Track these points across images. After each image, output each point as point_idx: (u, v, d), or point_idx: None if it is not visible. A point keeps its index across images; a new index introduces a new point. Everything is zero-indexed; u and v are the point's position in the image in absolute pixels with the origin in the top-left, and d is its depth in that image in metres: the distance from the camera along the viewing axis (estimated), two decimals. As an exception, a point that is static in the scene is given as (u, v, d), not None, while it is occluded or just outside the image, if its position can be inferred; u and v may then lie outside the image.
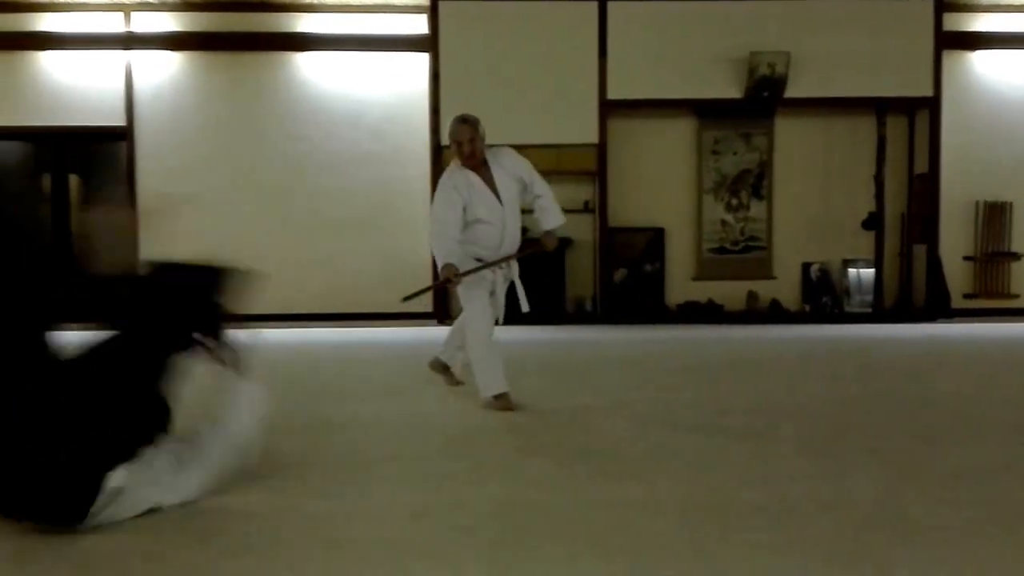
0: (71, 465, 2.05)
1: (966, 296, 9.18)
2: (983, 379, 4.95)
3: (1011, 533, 2.09)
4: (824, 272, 9.15)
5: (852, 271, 9.18)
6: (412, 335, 7.67)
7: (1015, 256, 9.12)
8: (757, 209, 9.16)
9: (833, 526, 2.15)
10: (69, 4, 8.76)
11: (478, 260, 3.93)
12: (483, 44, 8.57)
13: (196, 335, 2.42)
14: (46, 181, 9.37)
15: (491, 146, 4.05)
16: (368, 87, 8.99)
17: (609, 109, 8.63)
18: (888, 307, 9.11)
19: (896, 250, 9.23)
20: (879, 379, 4.91)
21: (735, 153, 9.14)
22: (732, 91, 8.66)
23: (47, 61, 8.88)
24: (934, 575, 1.84)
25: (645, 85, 8.61)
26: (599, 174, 8.64)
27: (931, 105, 8.83)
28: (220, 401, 2.60)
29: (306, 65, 8.97)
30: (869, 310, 9.02)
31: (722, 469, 2.74)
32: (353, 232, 8.97)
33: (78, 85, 8.89)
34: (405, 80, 8.98)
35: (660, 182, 9.09)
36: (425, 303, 8.78)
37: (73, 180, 9.41)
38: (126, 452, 2.17)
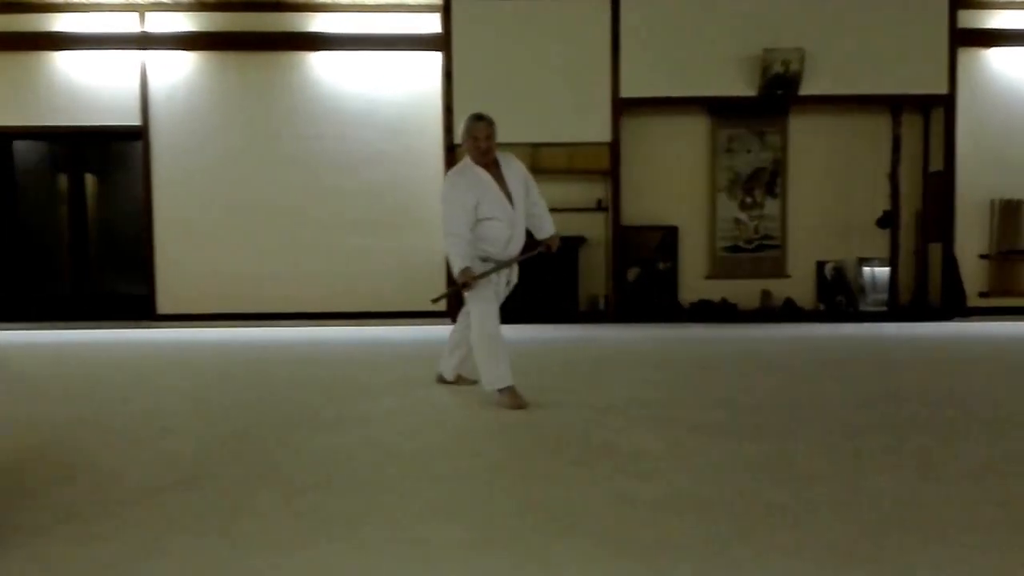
0: None
1: (981, 294, 9.13)
2: (1000, 377, 4.92)
3: (1033, 533, 2.09)
4: (839, 271, 9.12)
5: (867, 269, 9.14)
6: (426, 333, 7.69)
7: (1031, 254, 9.06)
8: (771, 207, 9.13)
9: (852, 526, 2.15)
10: (84, 5, 8.83)
11: (484, 259, 3.97)
12: (496, 43, 8.58)
13: None
14: (63, 180, 9.45)
15: (504, 153, 4.10)
16: (381, 86, 9.01)
17: (622, 107, 8.62)
18: (903, 306, 9.07)
19: (911, 248, 9.19)
20: (895, 378, 4.89)
21: (749, 151, 9.11)
22: (746, 89, 8.64)
23: (63, 61, 8.95)
24: (956, 574, 1.84)
25: (658, 83, 8.60)
26: (612, 172, 8.63)
27: (946, 103, 8.78)
28: None
29: (319, 64, 9.00)
30: (884, 309, 8.98)
31: (739, 468, 2.74)
32: (366, 231, 9.00)
33: (94, 85, 8.95)
34: (418, 79, 9.00)
35: (673, 180, 9.08)
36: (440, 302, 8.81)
37: (89, 179, 9.48)
38: None
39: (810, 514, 2.24)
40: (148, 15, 8.91)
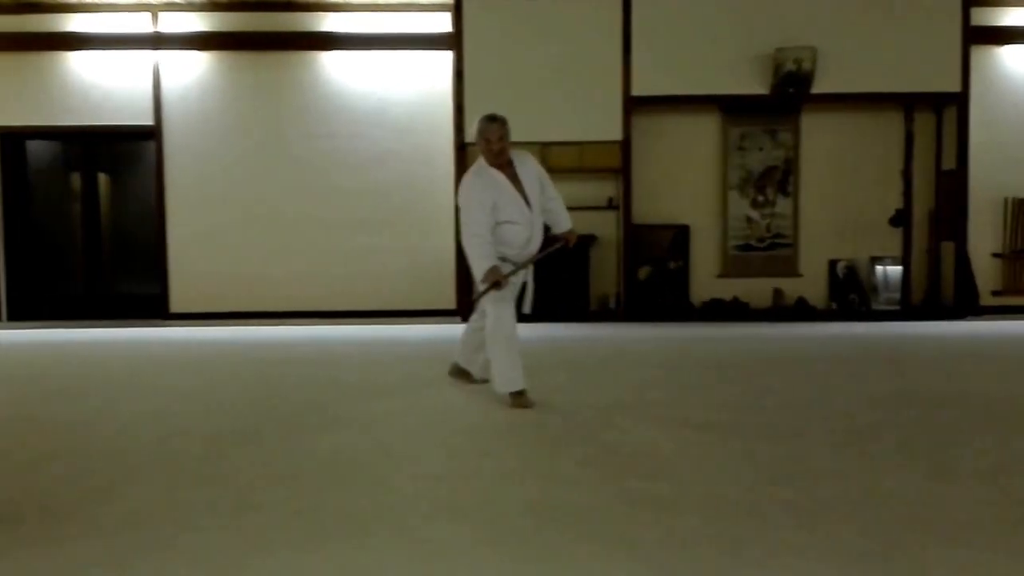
0: None
1: (994, 293, 9.05)
2: (1013, 377, 4.89)
3: (1047, 534, 2.08)
4: (851, 269, 9.07)
5: (879, 268, 9.08)
6: (436, 333, 7.70)
7: (1046, 253, 8.98)
8: (783, 206, 9.09)
9: (866, 525, 2.14)
10: (97, 5, 8.87)
11: (503, 260, 3.91)
12: (507, 41, 8.57)
13: None
14: (75, 180, 9.52)
15: (517, 151, 4.05)
16: (392, 85, 9.02)
17: (633, 105, 8.59)
18: (916, 304, 9.01)
19: (924, 247, 9.13)
20: (908, 377, 4.86)
21: (761, 149, 9.07)
22: (758, 87, 8.60)
23: (76, 61, 9.00)
24: (969, 574, 1.83)
25: (670, 81, 8.56)
26: (623, 171, 8.61)
27: (959, 100, 8.71)
28: None
29: (330, 64, 9.02)
30: (896, 307, 8.93)
31: (752, 468, 2.74)
32: (377, 230, 9.01)
33: (106, 85, 9.00)
34: (429, 78, 9.00)
35: (685, 179, 9.05)
36: (448, 299, 8.82)
37: (102, 179, 9.54)
38: None
39: (821, 513, 2.24)
40: (161, 15, 8.95)
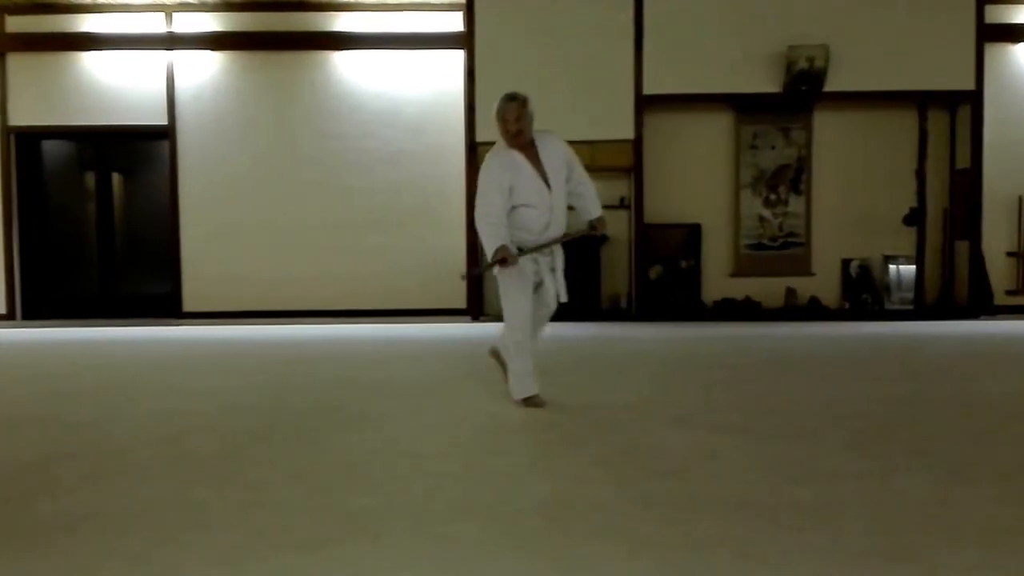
0: None
1: (1009, 292, 8.99)
2: (1030, 378, 4.85)
3: (1065, 535, 2.06)
4: (864, 268, 9.02)
5: (892, 267, 9.03)
6: (447, 331, 7.71)
7: (1061, 252, 8.91)
8: (795, 204, 9.05)
9: (880, 526, 2.13)
10: (112, 5, 8.93)
11: (520, 249, 3.75)
12: (518, 40, 8.57)
13: None
14: (90, 179, 9.58)
15: (541, 131, 3.87)
16: (404, 85, 9.04)
17: (645, 104, 8.58)
18: (929, 304, 8.96)
19: (938, 246, 9.07)
20: (923, 377, 4.84)
21: (773, 148, 9.04)
22: (770, 85, 8.57)
23: (91, 61, 9.06)
24: (987, 577, 1.82)
25: (682, 80, 8.55)
26: (635, 170, 8.60)
27: (973, 99, 8.65)
28: None
29: (343, 63, 9.05)
30: (910, 307, 8.88)
31: (766, 468, 2.73)
32: (388, 229, 9.04)
33: (121, 85, 9.06)
34: (440, 78, 9.02)
35: (697, 178, 9.03)
36: (459, 298, 8.83)
37: (116, 178, 9.60)
38: None
39: (835, 514, 2.23)
40: (175, 15, 9.00)
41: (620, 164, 8.55)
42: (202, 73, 9.05)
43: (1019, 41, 8.89)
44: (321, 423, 3.57)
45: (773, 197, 9.06)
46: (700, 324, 8.30)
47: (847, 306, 8.93)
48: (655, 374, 5.04)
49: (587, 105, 8.53)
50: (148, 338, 7.51)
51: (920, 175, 8.93)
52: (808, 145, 9.04)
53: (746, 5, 8.59)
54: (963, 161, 8.88)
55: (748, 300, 8.89)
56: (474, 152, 8.54)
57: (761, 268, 9.02)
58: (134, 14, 9.00)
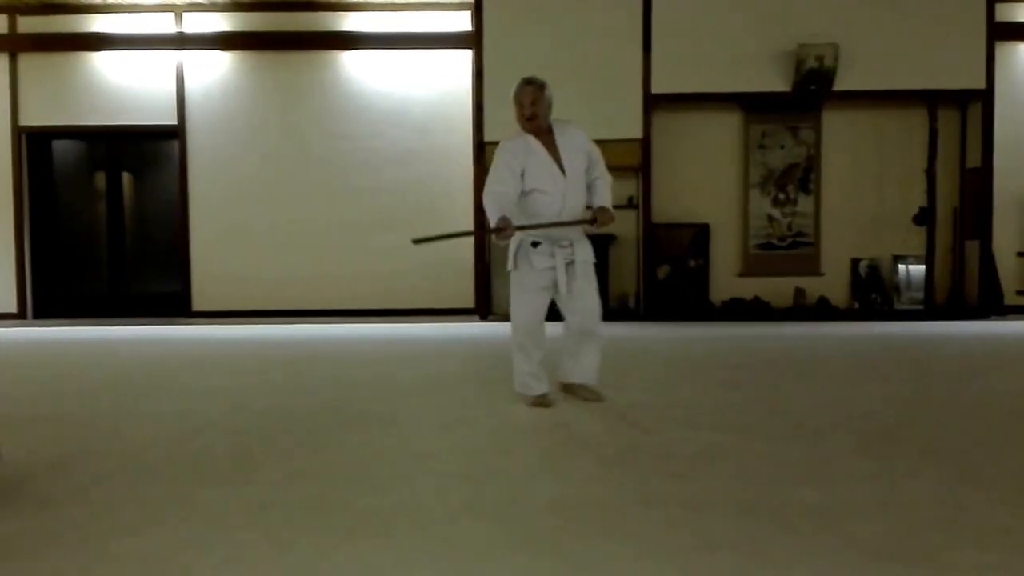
0: None
1: (1019, 292, 8.95)
2: (1041, 379, 4.82)
3: (1076, 538, 2.05)
4: (873, 268, 8.99)
5: (902, 267, 9.00)
6: (455, 331, 7.72)
7: (1072, 252, 8.86)
8: (804, 204, 9.03)
9: (889, 527, 2.12)
10: (122, 6, 8.98)
11: (535, 243, 3.70)
12: (527, 40, 8.57)
13: None
14: (100, 179, 9.63)
15: (562, 120, 3.84)
16: (412, 85, 9.05)
17: (654, 103, 8.57)
18: (939, 304, 8.92)
19: (948, 246, 9.03)
20: (932, 378, 4.82)
21: (782, 147, 9.02)
22: (779, 84, 8.55)
23: (101, 62, 9.11)
24: (997, 579, 1.81)
25: (690, 79, 8.53)
26: (643, 169, 8.59)
27: (983, 98, 8.61)
28: None
29: (351, 63, 9.07)
30: (920, 307, 8.84)
31: (775, 469, 2.72)
32: (396, 229, 9.05)
33: (131, 85, 9.10)
34: (448, 77, 9.03)
35: (705, 177, 9.01)
36: (467, 298, 8.84)
37: (126, 178, 9.65)
38: None
39: (845, 515, 2.22)
40: (184, 16, 9.04)
41: (628, 163, 8.54)
42: (211, 73, 9.08)
43: (1030, 40, 8.84)
44: (329, 423, 3.58)
45: (782, 196, 9.04)
46: (708, 324, 8.28)
47: (856, 306, 8.90)
48: (663, 374, 5.03)
49: (595, 104, 8.52)
50: (158, 337, 7.54)
51: (930, 174, 8.89)
52: (817, 144, 9.01)
53: (755, 4, 8.57)
54: (973, 160, 8.84)
55: (757, 300, 8.87)
56: (482, 151, 8.54)
57: (770, 268, 9.00)
58: (144, 14, 9.04)
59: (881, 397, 4.06)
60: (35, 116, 9.16)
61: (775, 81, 8.55)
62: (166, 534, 2.14)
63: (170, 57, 9.04)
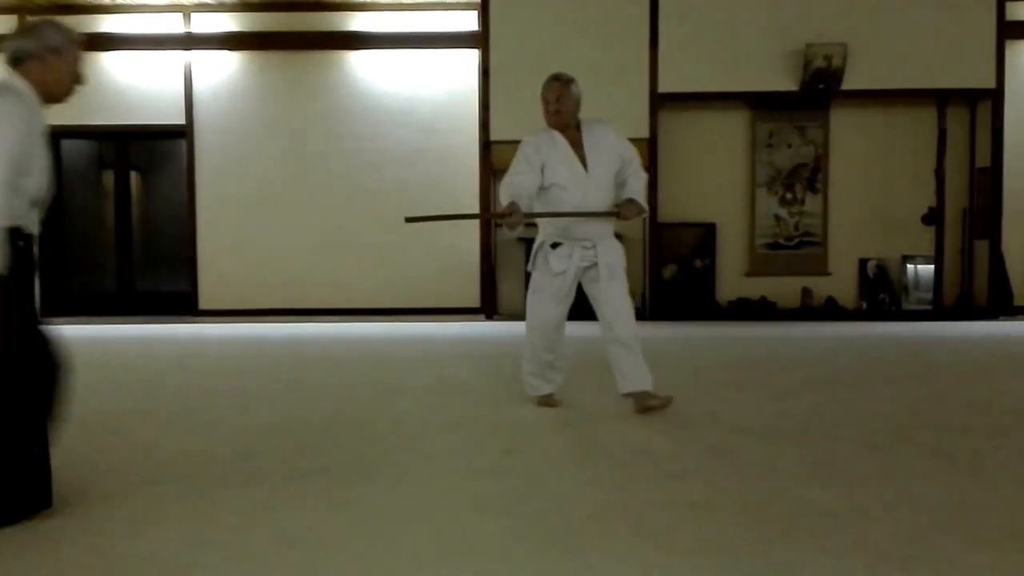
0: None
1: (1030, 293, 8.90)
2: (1051, 380, 4.80)
3: (1087, 540, 2.04)
4: (881, 268, 8.95)
5: (911, 267, 8.96)
6: (461, 330, 7.72)
7: (1082, 252, 8.80)
8: (812, 203, 8.99)
9: (901, 528, 2.11)
10: (131, 6, 9.01)
11: (555, 244, 3.58)
12: (533, 39, 8.55)
13: None
14: (108, 178, 9.66)
15: (595, 119, 3.79)
16: (418, 84, 9.05)
17: (660, 102, 8.55)
18: (948, 305, 8.88)
19: (957, 246, 8.98)
20: (941, 378, 4.79)
21: (790, 146, 8.98)
22: (787, 83, 8.51)
23: (110, 62, 9.13)
24: (1007, 581, 1.80)
25: (697, 78, 8.51)
26: (650, 169, 8.52)
27: (993, 97, 8.56)
28: None
29: (358, 63, 9.07)
30: (928, 307, 8.80)
31: (783, 470, 2.71)
32: (403, 228, 9.02)
33: (139, 85, 9.13)
34: (455, 77, 9.03)
35: (712, 176, 8.98)
36: (472, 298, 8.83)
37: (134, 177, 9.68)
38: None
39: (855, 517, 2.21)
40: (193, 16, 9.06)
41: (635, 163, 8.52)
42: (219, 73, 9.10)
43: (1041, 38, 8.79)
44: (334, 421, 3.58)
45: (789, 196, 9.01)
46: (715, 324, 8.26)
47: (864, 306, 8.86)
48: (670, 375, 5.02)
49: (602, 103, 8.46)
50: (164, 336, 7.56)
51: (939, 174, 8.84)
52: (825, 144, 8.98)
53: (763, 3, 8.54)
54: (983, 160, 8.79)
55: (763, 300, 8.85)
56: (488, 151, 8.54)
57: (777, 268, 8.97)
58: (152, 15, 9.06)
59: (890, 398, 4.04)
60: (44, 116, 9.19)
61: (783, 80, 8.52)
62: (170, 532, 2.14)
63: (178, 57, 9.06)
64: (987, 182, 8.71)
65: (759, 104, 8.88)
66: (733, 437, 3.19)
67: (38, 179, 2.36)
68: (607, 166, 3.62)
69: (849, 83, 8.41)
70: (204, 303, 9.15)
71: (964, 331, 7.49)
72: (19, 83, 2.44)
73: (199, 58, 9.08)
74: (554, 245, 3.62)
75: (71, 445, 3.17)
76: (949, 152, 8.86)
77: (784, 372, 5.05)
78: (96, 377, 5.09)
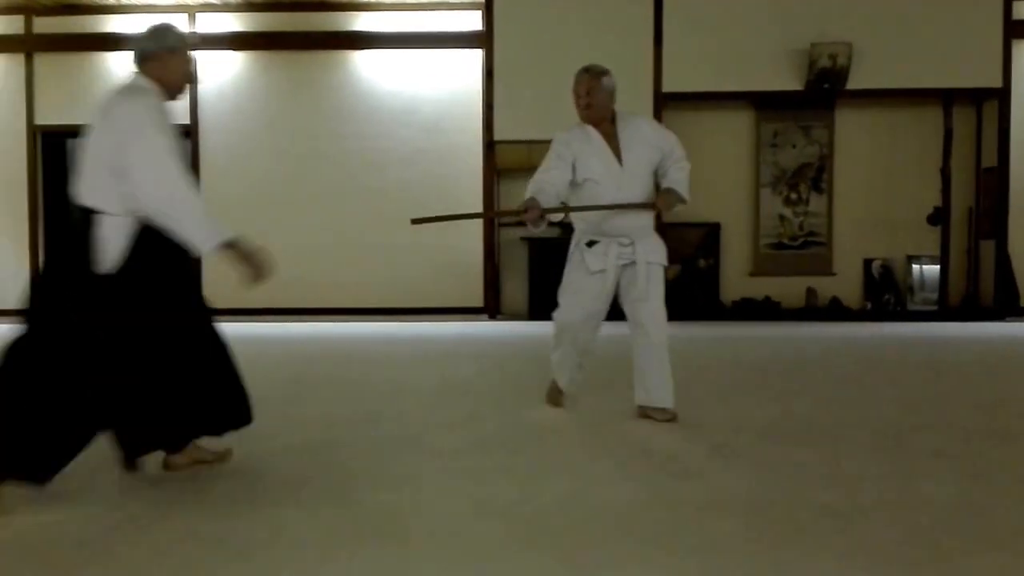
0: None
1: (1036, 293, 8.86)
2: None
3: (1093, 541, 2.02)
4: (887, 268, 8.92)
5: (916, 267, 8.93)
6: (464, 330, 7.71)
7: (1089, 252, 8.75)
8: (817, 203, 8.97)
9: (904, 529, 2.10)
10: (136, 6, 9.03)
11: (591, 242, 3.44)
12: (537, 39, 8.55)
13: None
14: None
15: (632, 113, 3.67)
16: (422, 84, 9.05)
17: (664, 102, 8.54)
18: (954, 305, 8.84)
19: (963, 246, 8.95)
20: (947, 380, 4.77)
21: (794, 146, 8.96)
22: (792, 83, 8.49)
23: (115, 61, 9.14)
24: (1012, 583, 1.79)
25: (702, 77, 8.49)
26: (654, 169, 8.56)
27: (1000, 96, 8.52)
28: None
29: (362, 63, 9.08)
30: (934, 308, 8.76)
31: (787, 470, 2.70)
32: (406, 228, 9.00)
33: (144, 85, 9.14)
34: (459, 77, 9.02)
35: (716, 176, 8.94)
36: (476, 297, 8.82)
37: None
38: None
39: (859, 517, 2.20)
40: (198, 16, 9.08)
41: (640, 163, 8.51)
42: (224, 73, 9.11)
43: (1047, 38, 8.74)
44: (338, 420, 3.58)
45: (794, 196, 8.98)
46: (718, 324, 8.24)
47: (869, 307, 8.83)
48: (673, 375, 5.00)
49: (606, 103, 8.49)
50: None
51: (945, 174, 8.81)
52: (830, 143, 8.95)
53: (767, 1, 8.51)
54: (989, 159, 8.76)
55: (767, 300, 8.82)
56: (491, 151, 8.54)
57: (781, 268, 8.95)
58: (158, 15, 9.08)
59: (894, 399, 4.03)
60: (50, 116, 9.21)
61: (787, 80, 8.49)
62: (174, 529, 2.14)
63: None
64: (993, 182, 8.68)
65: (763, 104, 8.86)
66: (736, 437, 3.18)
67: None
68: (643, 159, 3.46)
69: (854, 82, 8.38)
70: (208, 302, 9.16)
71: (970, 332, 7.46)
72: (144, 81, 2.78)
73: (204, 58, 9.09)
74: (590, 243, 3.46)
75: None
76: (955, 151, 8.83)
77: (787, 372, 5.04)
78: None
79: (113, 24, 9.11)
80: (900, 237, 8.90)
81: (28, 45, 9.13)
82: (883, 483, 2.53)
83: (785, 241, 8.99)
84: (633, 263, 3.44)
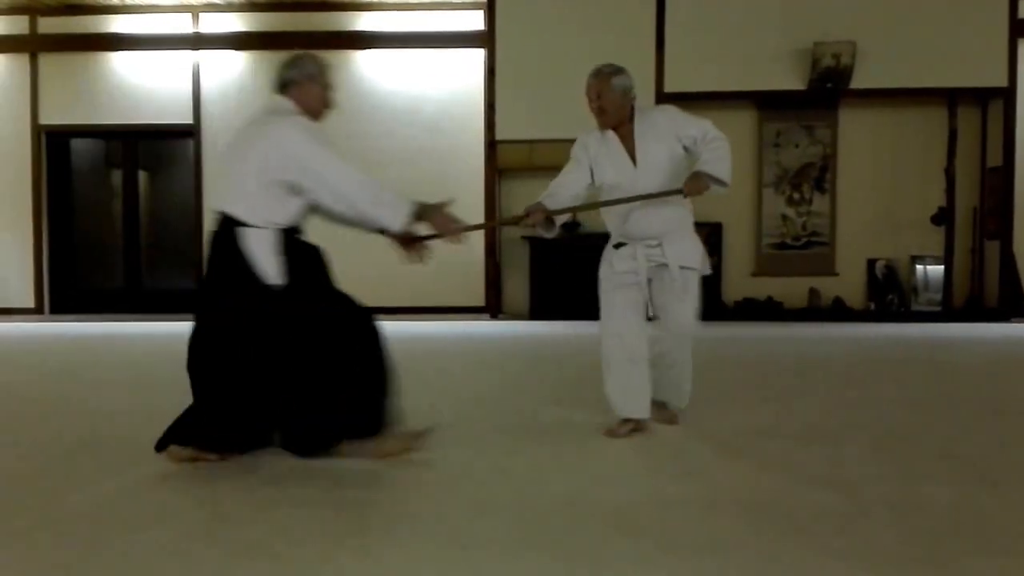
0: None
1: (1041, 294, 8.83)
2: (1061, 381, 4.75)
3: (1095, 543, 2.01)
4: (890, 269, 8.90)
5: (920, 268, 8.90)
6: (465, 330, 7.71)
7: (1094, 252, 8.72)
8: (820, 203, 8.95)
9: (906, 531, 2.09)
10: (140, 6, 9.04)
11: (617, 244, 3.31)
12: (539, 39, 8.55)
13: None
14: (117, 177, 9.70)
15: (650, 108, 3.53)
16: (424, 83, 9.06)
17: (667, 102, 8.51)
18: (958, 306, 8.82)
19: (967, 246, 8.92)
20: (950, 381, 4.76)
21: (797, 146, 8.95)
22: (795, 82, 8.47)
23: (119, 62, 9.17)
24: (1013, 584, 1.78)
25: (704, 77, 8.48)
26: (657, 169, 8.55)
27: (1005, 95, 8.50)
28: None
29: (364, 62, 9.08)
30: (938, 309, 8.74)
31: (788, 471, 2.69)
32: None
33: (148, 85, 9.16)
34: (461, 76, 9.02)
35: (719, 176, 8.94)
36: (477, 296, 8.82)
37: (142, 176, 9.72)
38: None
39: (862, 518, 2.19)
40: (201, 16, 9.09)
41: (642, 162, 8.50)
42: (227, 73, 9.12)
43: (1053, 37, 8.72)
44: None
45: (796, 196, 8.97)
46: (721, 324, 8.22)
47: (872, 307, 8.81)
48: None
49: (609, 103, 8.48)
50: (172, 333, 7.58)
51: (949, 173, 8.79)
52: (833, 143, 8.93)
53: (770, 1, 8.50)
54: (994, 159, 8.73)
55: (770, 300, 8.81)
56: (493, 150, 8.54)
57: (784, 268, 8.93)
58: (161, 15, 9.10)
59: (897, 400, 4.01)
60: (54, 115, 9.24)
61: (790, 79, 8.48)
62: (174, 528, 2.14)
63: (187, 57, 9.09)
64: (998, 181, 8.66)
65: (766, 103, 8.85)
66: (736, 437, 3.17)
67: None
68: (660, 154, 3.23)
69: (858, 82, 8.36)
70: (211, 302, 9.18)
71: (974, 333, 7.44)
72: (289, 104, 3.02)
73: (207, 58, 9.11)
74: (617, 246, 3.33)
75: (72, 443, 3.18)
76: (959, 151, 8.80)
77: (790, 373, 5.02)
78: (102, 374, 5.11)
79: (117, 24, 9.13)
80: (904, 237, 8.88)
81: (33, 45, 9.15)
82: (884, 484, 2.52)
83: (788, 241, 8.97)
84: (664, 265, 3.25)
